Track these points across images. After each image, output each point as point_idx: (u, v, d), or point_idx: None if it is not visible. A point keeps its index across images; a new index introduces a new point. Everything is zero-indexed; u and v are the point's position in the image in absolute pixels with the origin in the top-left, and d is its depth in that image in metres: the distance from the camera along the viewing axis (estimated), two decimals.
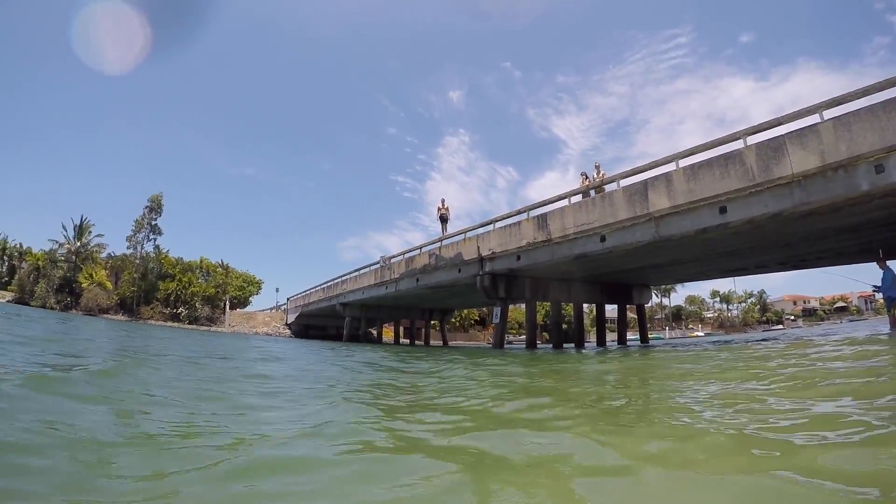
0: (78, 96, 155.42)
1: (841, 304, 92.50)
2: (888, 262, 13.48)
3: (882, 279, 12.70)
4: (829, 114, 12.21)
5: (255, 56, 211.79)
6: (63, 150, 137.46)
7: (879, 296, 14.54)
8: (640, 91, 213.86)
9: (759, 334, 46.91)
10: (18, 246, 72.83)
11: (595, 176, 20.57)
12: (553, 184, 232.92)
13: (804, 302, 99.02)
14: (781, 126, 13.30)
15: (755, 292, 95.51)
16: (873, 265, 14.20)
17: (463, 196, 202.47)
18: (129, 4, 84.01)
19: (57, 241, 59.62)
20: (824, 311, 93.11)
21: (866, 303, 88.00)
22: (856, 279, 49.10)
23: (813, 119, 12.53)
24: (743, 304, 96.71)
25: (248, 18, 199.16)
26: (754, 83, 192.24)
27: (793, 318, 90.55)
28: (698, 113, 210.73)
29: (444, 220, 27.57)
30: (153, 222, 58.63)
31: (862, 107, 11.71)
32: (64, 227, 60.31)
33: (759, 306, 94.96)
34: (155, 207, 58.78)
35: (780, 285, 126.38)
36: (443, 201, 28.37)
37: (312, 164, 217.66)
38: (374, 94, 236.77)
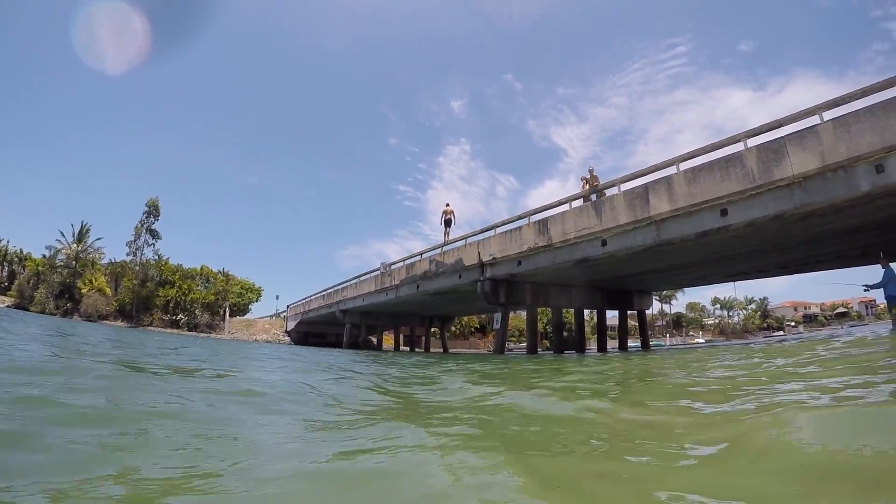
0: (78, 100, 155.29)
1: (842, 309, 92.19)
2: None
3: (882, 276, 12.64)
4: (828, 115, 12.26)
5: (259, 67, 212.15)
6: (63, 156, 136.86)
7: (881, 299, 14.50)
8: (638, 102, 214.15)
9: (761, 339, 46.85)
10: (18, 251, 72.79)
11: (588, 179, 20.28)
12: (553, 192, 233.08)
13: (805, 308, 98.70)
14: (781, 128, 13.35)
15: (756, 298, 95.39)
16: (874, 269, 14.16)
17: (464, 204, 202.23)
18: (133, 6, 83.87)
19: (54, 247, 59.68)
20: (825, 316, 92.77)
21: (867, 308, 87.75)
22: (854, 284, 48.85)
23: (812, 121, 12.58)
24: (744, 311, 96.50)
25: (252, 30, 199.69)
26: (752, 93, 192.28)
27: (794, 323, 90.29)
28: (696, 123, 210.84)
29: (448, 223, 27.51)
30: (151, 226, 58.61)
31: (861, 107, 11.74)
32: (62, 233, 60.37)
33: (759, 313, 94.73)
34: (152, 211, 58.72)
35: (780, 292, 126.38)
36: (447, 205, 28.33)
37: (314, 172, 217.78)
38: (376, 104, 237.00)
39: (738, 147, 14.05)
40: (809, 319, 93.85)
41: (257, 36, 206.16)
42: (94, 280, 56.05)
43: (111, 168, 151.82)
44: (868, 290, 13.48)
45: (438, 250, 26.70)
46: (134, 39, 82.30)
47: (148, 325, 53.43)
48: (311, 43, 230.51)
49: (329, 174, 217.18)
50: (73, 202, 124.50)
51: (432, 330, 48.38)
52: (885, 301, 13.47)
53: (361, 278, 36.65)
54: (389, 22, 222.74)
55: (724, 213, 14.28)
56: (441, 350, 45.53)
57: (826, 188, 12.19)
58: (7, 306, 54.73)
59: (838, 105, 12.28)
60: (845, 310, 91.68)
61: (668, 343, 66.68)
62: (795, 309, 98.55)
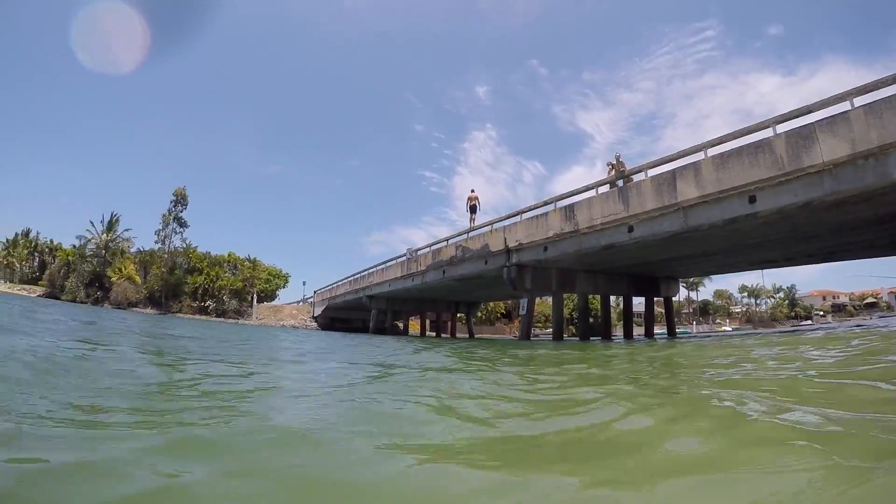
0: (108, 95, 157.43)
1: (871, 299, 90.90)
2: None
3: None
4: (859, 101, 12.16)
5: (282, 58, 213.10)
6: (93, 149, 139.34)
7: None
8: (666, 87, 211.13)
9: (789, 329, 46.45)
10: (49, 242, 74.47)
11: (614, 165, 20.21)
12: (580, 178, 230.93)
13: (833, 297, 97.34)
14: (811, 114, 13.25)
15: (784, 287, 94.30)
16: None
17: (489, 190, 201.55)
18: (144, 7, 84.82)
19: (84, 237, 60.97)
20: (854, 306, 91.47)
21: None
22: (887, 276, 48.02)
23: (843, 107, 12.48)
24: (771, 300, 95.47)
25: (275, 22, 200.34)
26: (781, 78, 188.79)
27: (822, 313, 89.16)
28: (725, 108, 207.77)
29: (473, 209, 27.59)
30: (179, 215, 59.57)
31: (893, 93, 11.63)
32: (92, 223, 61.66)
33: (787, 301, 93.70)
34: (180, 200, 59.72)
35: (809, 280, 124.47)
36: (472, 191, 28.42)
37: (340, 161, 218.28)
38: (401, 92, 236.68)
39: (766, 133, 13.97)
40: (838, 309, 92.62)
41: (279, 27, 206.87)
42: (123, 268, 57.17)
43: (139, 160, 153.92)
44: None
45: (464, 236, 26.83)
46: (153, 35, 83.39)
47: (177, 312, 54.46)
48: (333, 32, 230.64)
49: (354, 162, 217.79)
50: (103, 194, 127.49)
51: (458, 315, 48.64)
52: None
53: (388, 264, 36.97)
54: (413, 8, 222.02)
55: (752, 199, 14.26)
56: (467, 335, 45.79)
57: (857, 176, 12.13)
58: (38, 296, 56.09)
59: (869, 91, 12.18)
60: (874, 300, 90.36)
61: (694, 330, 66.23)
62: (824, 298, 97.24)
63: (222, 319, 52.65)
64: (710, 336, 31.20)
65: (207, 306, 56.44)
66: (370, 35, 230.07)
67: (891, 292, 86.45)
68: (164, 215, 59.42)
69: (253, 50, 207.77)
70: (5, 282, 66.20)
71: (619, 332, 30.28)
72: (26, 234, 75.81)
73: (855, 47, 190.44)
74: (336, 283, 50.98)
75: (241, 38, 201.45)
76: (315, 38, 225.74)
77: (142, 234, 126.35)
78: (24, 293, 57.13)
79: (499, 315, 74.16)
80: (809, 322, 76.27)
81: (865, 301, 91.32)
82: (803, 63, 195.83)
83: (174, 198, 59.74)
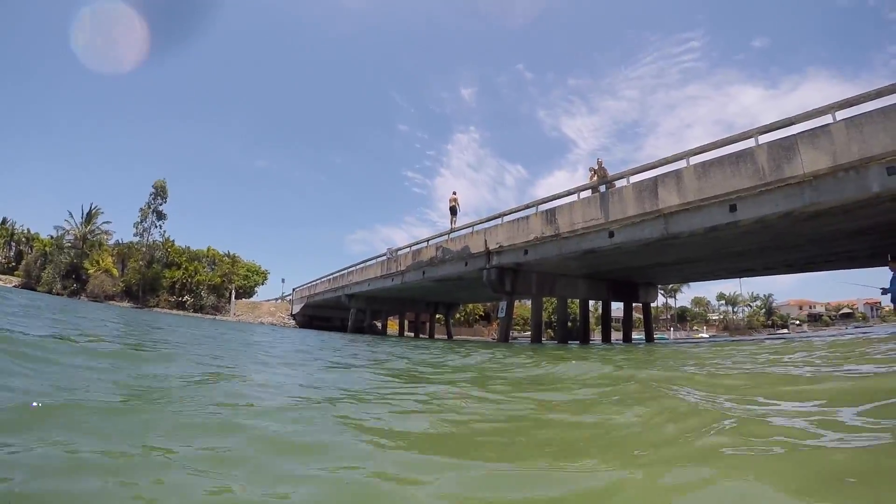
0: (91, 89, 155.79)
1: (847, 310, 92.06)
2: None
3: (891, 280, 12.50)
4: (841, 115, 12.21)
5: (268, 52, 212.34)
6: (74, 142, 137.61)
7: (886, 302, 14.36)
8: (650, 96, 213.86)
9: (764, 336, 46.84)
10: (26, 231, 73.24)
11: (596, 170, 20.15)
12: (562, 183, 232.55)
13: (810, 307, 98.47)
14: (793, 126, 13.30)
15: (761, 295, 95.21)
16: (882, 271, 14.06)
17: (471, 192, 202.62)
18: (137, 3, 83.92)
19: (62, 228, 60.14)
20: (830, 316, 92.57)
21: (872, 310, 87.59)
22: (866, 285, 48.62)
23: (825, 120, 12.53)
24: (748, 308, 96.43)
25: (262, 16, 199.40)
26: (764, 90, 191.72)
27: (798, 322, 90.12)
28: (707, 118, 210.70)
29: (454, 211, 27.50)
30: (158, 208, 58.93)
31: (875, 108, 11.69)
32: (70, 214, 60.85)
33: (764, 310, 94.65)
34: (160, 193, 59.10)
35: (786, 289, 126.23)
36: (454, 193, 28.31)
37: (324, 158, 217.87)
38: (386, 91, 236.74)
39: (749, 143, 13.99)
40: (814, 319, 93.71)
41: (266, 23, 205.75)
42: (101, 261, 56.52)
43: (122, 154, 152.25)
44: (886, 294, 13.11)
45: (445, 237, 26.72)
46: (142, 33, 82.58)
47: (154, 307, 53.89)
48: (320, 30, 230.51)
49: (338, 159, 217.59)
50: (83, 186, 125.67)
51: (437, 316, 48.57)
52: (892, 304, 13.38)
53: (367, 263, 36.76)
54: (401, 9, 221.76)
55: (733, 208, 14.28)
56: (445, 336, 45.70)
57: (837, 188, 12.17)
58: (14, 286, 55.22)
59: (851, 105, 12.23)
60: (850, 311, 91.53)
61: (671, 337, 66.68)
62: (800, 307, 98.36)
63: (200, 315, 52.17)
64: (686, 342, 31.32)
65: (185, 301, 55.87)
66: (358, 32, 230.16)
67: (867, 303, 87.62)
68: (142, 209, 58.80)
69: (242, 44, 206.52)
70: None
71: (597, 336, 30.26)
72: (2, 222, 73.97)
73: (839, 61, 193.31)
74: (315, 280, 50.73)
75: (228, 33, 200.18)
76: (302, 34, 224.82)
77: (122, 227, 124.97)
78: None
79: (477, 317, 74.20)
80: (786, 331, 77.09)
81: (841, 311, 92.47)
82: (786, 76, 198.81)
83: (153, 190, 59.22)
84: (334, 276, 44.31)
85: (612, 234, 17.77)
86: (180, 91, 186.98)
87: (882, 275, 14.01)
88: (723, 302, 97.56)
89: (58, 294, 52.28)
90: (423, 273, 28.59)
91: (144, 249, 57.65)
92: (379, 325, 48.21)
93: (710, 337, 65.13)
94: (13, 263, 68.92)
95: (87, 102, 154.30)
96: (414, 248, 30.03)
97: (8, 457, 1.95)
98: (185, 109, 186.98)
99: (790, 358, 7.93)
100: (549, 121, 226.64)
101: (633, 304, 29.84)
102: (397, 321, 52.04)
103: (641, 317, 35.89)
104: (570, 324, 28.51)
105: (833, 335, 25.05)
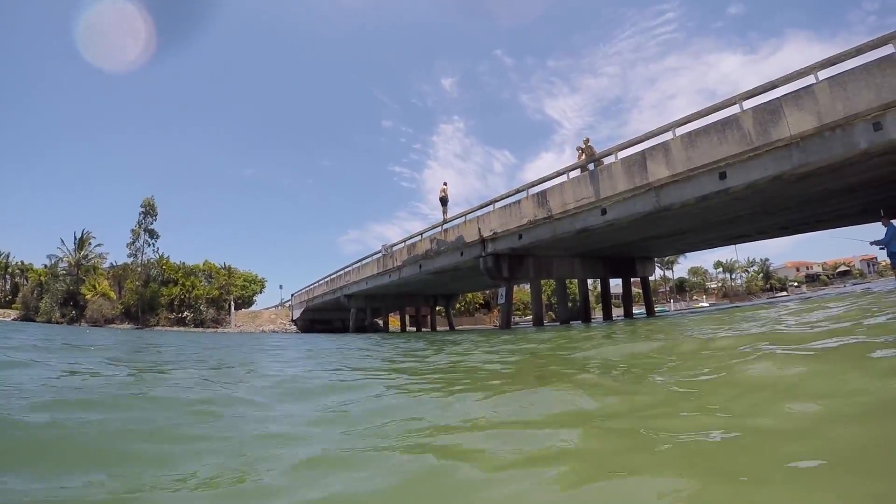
0: (69, 108, 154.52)
1: (843, 268, 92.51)
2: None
3: (886, 234, 12.55)
4: (823, 74, 12.25)
5: (249, 56, 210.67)
6: (58, 165, 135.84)
7: (883, 257, 14.39)
8: (630, 71, 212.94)
9: (763, 300, 47.05)
10: (20, 263, 72.63)
11: (584, 149, 20.11)
12: (550, 165, 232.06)
13: (807, 268, 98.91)
14: (776, 89, 13.30)
15: (758, 260, 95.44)
16: (875, 226, 14.09)
17: (460, 182, 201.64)
18: (132, 3, 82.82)
19: (55, 256, 59.83)
20: (827, 276, 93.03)
21: (869, 266, 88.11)
22: (862, 240, 48.80)
23: (808, 80, 12.55)
24: (746, 273, 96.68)
25: (239, 19, 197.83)
26: (743, 56, 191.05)
27: (796, 284, 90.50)
28: (689, 89, 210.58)
29: (444, 202, 27.45)
30: (149, 226, 58.56)
31: (857, 65, 11.71)
32: (63, 241, 60.37)
33: (762, 274, 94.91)
34: (149, 211, 58.62)
35: (782, 252, 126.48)
36: (445, 184, 28.27)
37: (311, 161, 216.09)
38: (368, 88, 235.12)
39: (733, 110, 14.01)
40: (812, 279, 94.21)
41: (245, 27, 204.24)
42: (97, 285, 56.13)
43: (108, 172, 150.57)
44: (882, 248, 13.19)
45: (439, 229, 26.73)
46: (133, 40, 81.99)
47: (155, 326, 53.60)
48: (298, 28, 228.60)
49: (326, 161, 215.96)
50: (72, 210, 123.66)
51: (437, 308, 48.60)
52: (889, 258, 13.42)
53: (363, 262, 36.72)
54: (375, 7, 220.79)
55: (722, 176, 14.30)
56: (447, 328, 45.74)
57: (824, 147, 12.21)
58: (13, 319, 54.97)
59: (833, 64, 12.24)
60: (847, 268, 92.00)
61: (672, 308, 66.88)
62: (798, 269, 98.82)
63: (201, 329, 52.05)
64: (687, 312, 31.46)
65: (185, 317, 55.60)
66: (334, 32, 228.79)
67: (863, 259, 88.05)
68: (133, 229, 58.26)
69: (219, 54, 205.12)
70: None
71: (598, 314, 30.33)
72: None
73: (816, 23, 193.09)
74: (313, 284, 50.59)
75: (206, 39, 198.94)
76: (279, 39, 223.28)
77: (116, 249, 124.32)
78: None
79: (477, 305, 74.18)
80: (785, 293, 77.38)
81: (838, 270, 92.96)
82: (765, 41, 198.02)
83: (143, 209, 58.52)
84: (331, 277, 44.21)
85: (604, 212, 17.79)
86: (160, 103, 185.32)
87: (874, 230, 14.02)
88: (720, 270, 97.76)
89: (57, 322, 51.88)
90: (420, 266, 28.59)
91: (139, 269, 57.23)
92: (380, 322, 48.20)
93: (711, 305, 65.32)
94: (10, 297, 68.48)
95: (64, 126, 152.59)
96: (408, 242, 29.99)
97: None
98: (167, 121, 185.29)
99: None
100: (533, 104, 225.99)
101: (632, 280, 29.92)
102: (398, 317, 51.96)
103: (640, 291, 36.02)
104: (570, 304, 28.60)
105: (842, 292, 25.28)
